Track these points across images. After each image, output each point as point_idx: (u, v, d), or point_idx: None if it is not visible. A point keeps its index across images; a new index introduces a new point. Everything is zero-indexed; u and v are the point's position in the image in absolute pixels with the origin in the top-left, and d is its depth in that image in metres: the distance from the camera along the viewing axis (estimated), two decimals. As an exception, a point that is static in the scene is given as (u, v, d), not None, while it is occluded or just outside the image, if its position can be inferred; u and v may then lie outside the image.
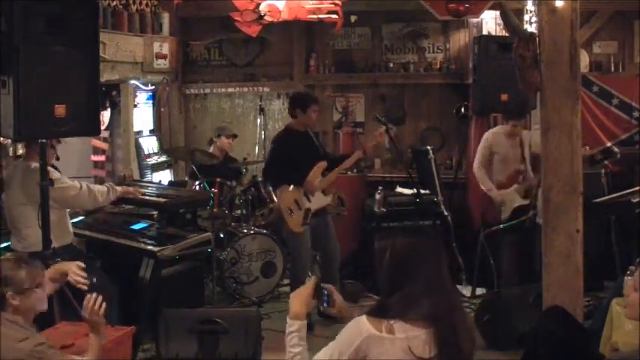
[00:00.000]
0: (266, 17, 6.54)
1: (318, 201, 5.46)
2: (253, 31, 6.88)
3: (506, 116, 6.08)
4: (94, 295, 2.93)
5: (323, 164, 5.47)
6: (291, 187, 5.39)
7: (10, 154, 5.73)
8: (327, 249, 5.59)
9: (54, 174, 4.38)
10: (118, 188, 4.75)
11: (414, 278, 2.18)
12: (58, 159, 4.67)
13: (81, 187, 4.46)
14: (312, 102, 5.47)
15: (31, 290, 2.85)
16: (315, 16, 6.68)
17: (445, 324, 2.13)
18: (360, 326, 2.15)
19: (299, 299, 2.37)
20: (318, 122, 5.84)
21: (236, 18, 6.92)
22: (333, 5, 6.64)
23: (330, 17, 6.78)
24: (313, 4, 6.67)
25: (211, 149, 6.79)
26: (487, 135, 6.14)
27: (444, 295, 2.18)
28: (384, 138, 5.66)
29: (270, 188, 6.20)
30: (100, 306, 2.91)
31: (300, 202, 5.39)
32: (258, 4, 6.86)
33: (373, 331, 2.12)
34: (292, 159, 5.35)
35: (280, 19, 6.89)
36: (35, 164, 4.09)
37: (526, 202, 5.90)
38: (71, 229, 4.65)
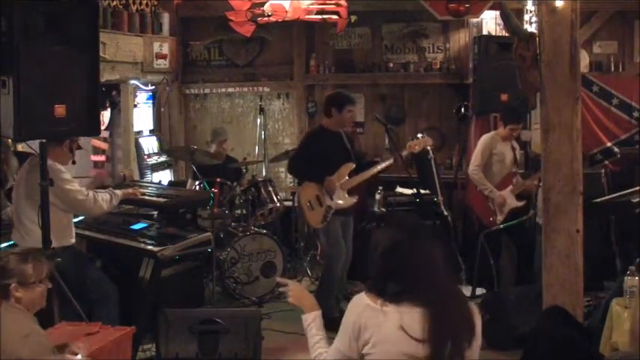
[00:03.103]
0: (272, 17, 6.51)
1: (341, 200, 5.45)
2: (247, 30, 6.85)
3: (505, 120, 6.08)
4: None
5: (351, 165, 5.50)
6: (314, 183, 5.43)
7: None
8: (345, 247, 5.59)
9: (64, 174, 4.39)
10: (118, 192, 4.76)
11: (409, 268, 2.24)
12: (74, 163, 4.70)
13: (88, 194, 4.48)
14: (347, 102, 5.50)
15: (35, 284, 2.92)
16: (319, 17, 6.66)
17: (438, 309, 2.17)
18: (358, 300, 2.29)
19: (305, 293, 2.52)
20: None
21: (231, 17, 6.91)
22: (336, 6, 6.62)
23: (331, 17, 6.76)
24: (316, 3, 6.64)
25: (212, 150, 6.82)
26: (485, 139, 6.15)
27: (438, 284, 2.22)
28: (419, 149, 5.57)
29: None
30: None
31: (322, 199, 5.41)
32: (254, 4, 6.83)
33: (369, 302, 2.24)
34: (320, 157, 5.39)
35: (285, 19, 6.87)
36: (50, 162, 4.09)
37: (520, 204, 5.93)
38: (74, 232, 4.65)
